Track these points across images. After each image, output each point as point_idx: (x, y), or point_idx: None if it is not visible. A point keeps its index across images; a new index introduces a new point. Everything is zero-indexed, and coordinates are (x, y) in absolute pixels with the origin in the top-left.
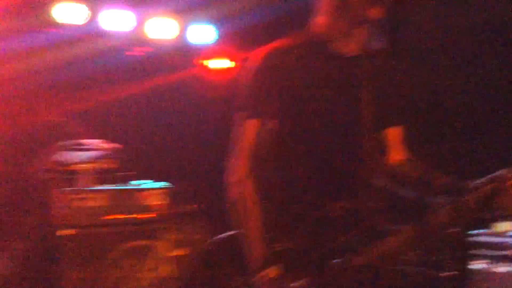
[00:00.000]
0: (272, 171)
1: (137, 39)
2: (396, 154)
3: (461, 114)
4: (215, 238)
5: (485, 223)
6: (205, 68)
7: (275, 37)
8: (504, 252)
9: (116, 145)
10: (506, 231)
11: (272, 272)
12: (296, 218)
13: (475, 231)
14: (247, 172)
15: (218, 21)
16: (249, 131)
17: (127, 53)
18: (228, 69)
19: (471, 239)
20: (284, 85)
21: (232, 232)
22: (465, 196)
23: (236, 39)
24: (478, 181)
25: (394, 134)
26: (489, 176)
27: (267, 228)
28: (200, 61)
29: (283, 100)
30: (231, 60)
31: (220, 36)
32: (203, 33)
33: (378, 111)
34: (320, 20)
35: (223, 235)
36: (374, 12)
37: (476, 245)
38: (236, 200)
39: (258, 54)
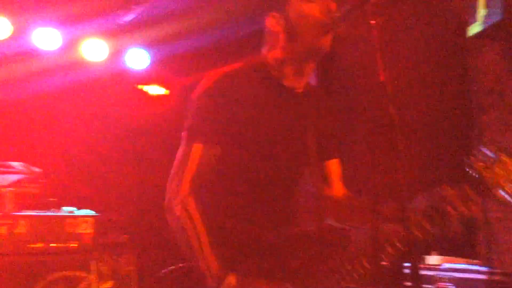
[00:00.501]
0: (213, 197)
1: (67, 60)
2: (336, 188)
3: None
4: (163, 271)
5: (417, 256)
6: (138, 93)
7: (211, 64)
8: (435, 286)
9: (39, 169)
10: (437, 264)
11: (232, 279)
12: (239, 243)
13: (407, 264)
14: (190, 193)
15: (152, 46)
16: (194, 155)
17: (55, 73)
18: (162, 95)
19: (404, 271)
20: (231, 112)
21: (180, 265)
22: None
23: (170, 65)
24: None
25: (332, 167)
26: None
27: (216, 242)
28: (133, 86)
29: (229, 128)
30: (165, 86)
31: (154, 62)
32: (136, 58)
33: (319, 144)
34: (271, 54)
35: (171, 267)
36: (325, 43)
37: (408, 277)
38: (181, 220)
39: (208, 79)
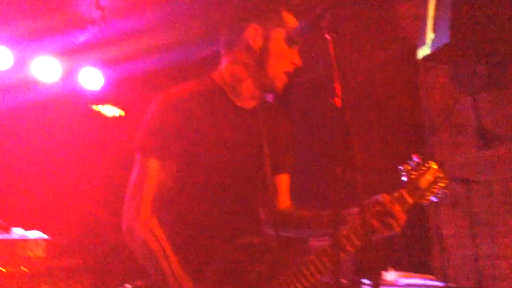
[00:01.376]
0: (173, 213)
1: (19, 79)
2: (283, 200)
3: None
4: None
5: (374, 272)
6: (91, 113)
7: (165, 85)
8: None
9: None
10: (393, 281)
11: None
12: (203, 254)
13: (365, 281)
14: (152, 212)
15: (106, 67)
16: (151, 173)
17: (6, 93)
18: (116, 116)
19: None
20: (183, 128)
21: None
22: (356, 220)
23: (124, 86)
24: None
25: (282, 180)
26: (371, 200)
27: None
28: (86, 106)
29: (183, 144)
30: (118, 106)
31: (108, 82)
32: (90, 78)
33: (272, 159)
34: (231, 68)
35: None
36: (285, 77)
37: None
38: (146, 241)
39: (159, 97)
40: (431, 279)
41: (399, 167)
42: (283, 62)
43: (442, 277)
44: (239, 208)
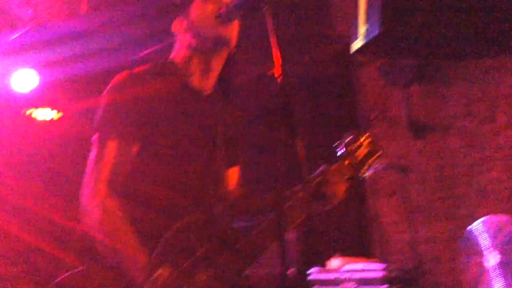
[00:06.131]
0: (131, 190)
1: None
2: (232, 192)
3: None
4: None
5: (319, 261)
6: (27, 117)
7: (103, 86)
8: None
9: None
10: (338, 267)
11: (164, 271)
12: (158, 229)
13: (311, 269)
14: (109, 193)
15: (41, 68)
16: (108, 153)
17: None
18: (51, 120)
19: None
20: (140, 109)
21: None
22: (299, 194)
23: (60, 87)
24: (306, 180)
25: (233, 173)
26: (314, 174)
27: (140, 238)
28: (22, 110)
29: (139, 124)
30: (55, 109)
31: (43, 84)
32: (25, 80)
33: (224, 151)
34: (179, 54)
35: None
36: (225, 32)
37: (312, 282)
38: (103, 222)
39: (116, 78)
40: (374, 263)
41: (336, 143)
42: (214, 23)
43: (382, 261)
44: (191, 193)
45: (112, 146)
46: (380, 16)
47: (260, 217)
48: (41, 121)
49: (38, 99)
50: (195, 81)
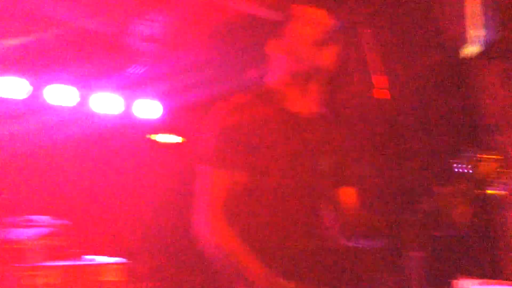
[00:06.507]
0: (242, 219)
1: (81, 114)
2: (348, 213)
3: None
4: None
5: (445, 281)
6: (152, 142)
7: (221, 111)
8: None
9: (65, 221)
10: None
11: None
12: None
13: None
14: (222, 219)
15: (164, 97)
16: (219, 182)
17: (72, 127)
18: (175, 143)
19: None
20: (248, 138)
21: None
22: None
23: (182, 114)
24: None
25: (346, 193)
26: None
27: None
28: (147, 136)
29: (249, 152)
30: (178, 134)
31: (166, 111)
32: (149, 108)
33: (334, 171)
34: (275, 79)
35: None
36: (325, 58)
37: None
38: (221, 246)
39: (220, 109)
40: (509, 285)
41: (459, 160)
42: (313, 48)
43: None
44: (304, 216)
45: (223, 176)
46: (499, 20)
47: (379, 238)
48: (160, 144)
49: (162, 125)
50: (294, 105)
